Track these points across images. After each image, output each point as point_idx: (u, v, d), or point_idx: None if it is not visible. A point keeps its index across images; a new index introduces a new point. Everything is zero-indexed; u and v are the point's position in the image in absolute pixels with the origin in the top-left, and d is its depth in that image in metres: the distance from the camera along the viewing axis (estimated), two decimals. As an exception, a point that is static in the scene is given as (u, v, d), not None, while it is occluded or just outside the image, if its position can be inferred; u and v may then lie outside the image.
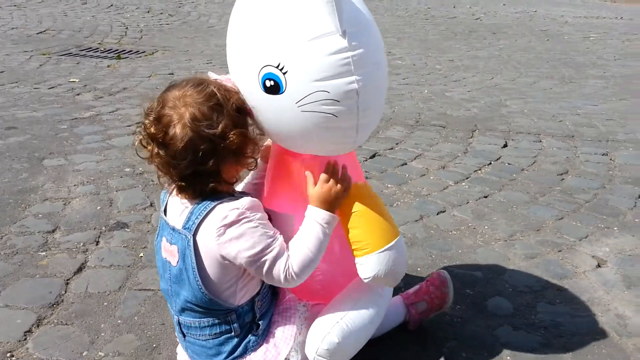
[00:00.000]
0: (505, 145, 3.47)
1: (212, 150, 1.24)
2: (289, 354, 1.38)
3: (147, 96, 4.12)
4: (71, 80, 4.50)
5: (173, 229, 1.33)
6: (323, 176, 1.38)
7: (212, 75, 1.34)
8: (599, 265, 2.16)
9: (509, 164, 3.16)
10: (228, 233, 1.26)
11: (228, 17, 1.38)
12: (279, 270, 1.30)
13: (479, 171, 3.04)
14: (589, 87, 5.10)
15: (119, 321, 1.73)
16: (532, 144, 3.50)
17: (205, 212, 1.28)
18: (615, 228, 2.46)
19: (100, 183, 2.68)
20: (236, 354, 1.37)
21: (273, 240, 1.30)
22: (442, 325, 1.76)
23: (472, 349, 1.67)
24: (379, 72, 1.31)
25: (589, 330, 1.78)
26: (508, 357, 1.65)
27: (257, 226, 1.27)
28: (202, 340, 1.38)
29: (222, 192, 1.31)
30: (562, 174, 3.05)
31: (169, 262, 1.35)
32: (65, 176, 2.74)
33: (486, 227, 2.42)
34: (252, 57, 1.26)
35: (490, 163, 3.16)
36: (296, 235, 1.36)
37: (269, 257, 1.29)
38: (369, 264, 1.39)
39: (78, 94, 4.13)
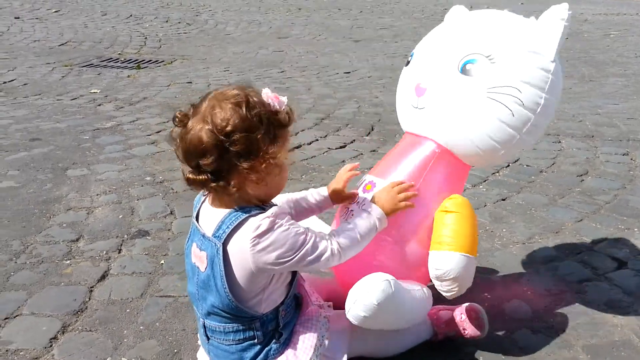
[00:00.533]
0: (523, 147, 3.45)
1: (214, 146, 1.24)
2: None
3: (167, 105, 4.19)
4: (92, 91, 4.59)
5: (203, 235, 1.36)
6: (392, 182, 1.55)
7: (265, 92, 1.33)
8: (619, 267, 2.14)
9: (527, 165, 3.15)
10: (264, 241, 1.28)
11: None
12: (323, 250, 1.36)
13: (497, 174, 3.03)
14: (610, 85, 5.04)
15: (141, 327, 1.77)
16: (551, 145, 3.48)
17: (237, 222, 1.30)
18: (636, 229, 2.43)
19: (122, 192, 2.74)
20: None
21: (305, 234, 1.34)
22: (460, 329, 1.76)
23: (491, 353, 1.67)
24: (553, 109, 1.59)
25: (608, 333, 1.77)
26: (526, 361, 1.65)
27: (288, 228, 1.31)
28: (226, 345, 1.41)
29: (246, 201, 1.33)
30: (581, 174, 3.03)
31: (198, 268, 1.38)
32: (88, 186, 2.80)
33: (504, 230, 2.41)
34: (463, 44, 1.55)
35: (509, 165, 3.15)
36: (350, 220, 1.48)
37: (308, 246, 1.34)
38: (447, 259, 1.48)
39: (99, 105, 4.21)
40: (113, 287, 1.98)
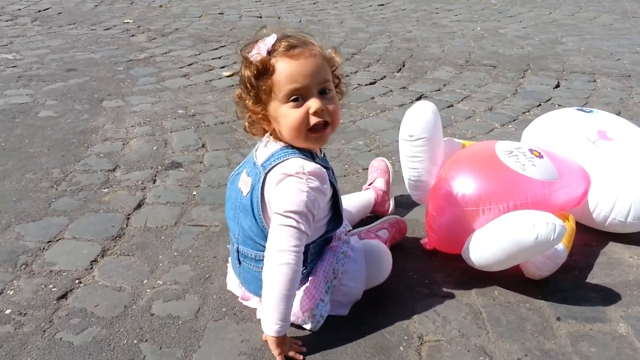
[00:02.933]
0: (557, 86, 3.39)
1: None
2: (323, 295, 1.50)
3: (199, 37, 4.20)
4: (125, 21, 4.62)
5: (254, 163, 1.46)
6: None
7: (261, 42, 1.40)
8: (642, 210, 2.15)
9: (559, 105, 3.10)
10: (281, 183, 1.36)
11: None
12: (287, 239, 1.35)
13: (527, 113, 3.00)
14: (654, 22, 4.83)
15: (175, 253, 1.88)
16: (585, 84, 3.41)
17: (284, 158, 1.39)
18: (664, 172, 2.41)
19: (156, 124, 2.82)
20: None
21: (308, 217, 1.36)
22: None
23: (509, 289, 1.74)
24: None
25: (623, 272, 1.81)
26: (539, 296, 1.70)
27: (304, 191, 1.35)
28: (255, 271, 1.50)
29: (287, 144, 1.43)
30: (614, 116, 2.98)
31: (242, 192, 1.48)
32: (123, 117, 2.89)
33: (529, 170, 2.42)
34: None
35: (540, 104, 3.11)
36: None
37: (292, 223, 1.34)
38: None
39: (132, 35, 4.25)
40: (149, 216, 2.09)
